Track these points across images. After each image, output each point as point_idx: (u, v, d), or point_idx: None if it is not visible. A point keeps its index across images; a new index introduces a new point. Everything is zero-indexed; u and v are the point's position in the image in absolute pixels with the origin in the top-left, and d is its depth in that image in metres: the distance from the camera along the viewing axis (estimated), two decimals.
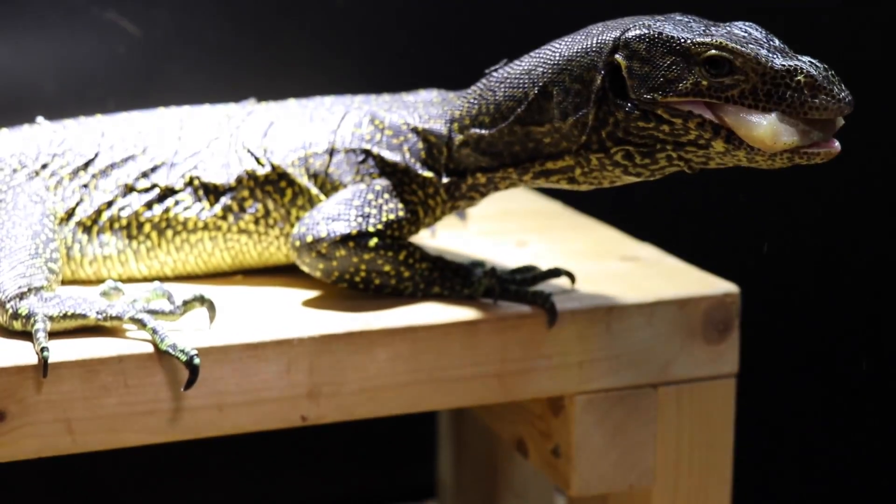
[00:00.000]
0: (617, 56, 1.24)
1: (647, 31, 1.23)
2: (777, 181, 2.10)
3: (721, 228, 2.11)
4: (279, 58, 1.90)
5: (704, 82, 1.20)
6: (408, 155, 1.37)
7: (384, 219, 1.33)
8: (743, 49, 1.19)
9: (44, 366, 1.17)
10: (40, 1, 1.77)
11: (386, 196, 1.35)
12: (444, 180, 1.36)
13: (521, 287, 1.34)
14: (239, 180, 1.38)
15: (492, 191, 1.37)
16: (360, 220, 1.33)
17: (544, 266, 1.40)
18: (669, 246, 1.57)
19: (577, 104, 1.26)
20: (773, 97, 1.18)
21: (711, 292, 1.39)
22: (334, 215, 1.33)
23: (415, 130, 1.38)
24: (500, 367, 1.33)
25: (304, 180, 1.38)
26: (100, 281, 1.38)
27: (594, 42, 1.26)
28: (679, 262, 1.51)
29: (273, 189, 1.39)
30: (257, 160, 1.39)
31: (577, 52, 1.27)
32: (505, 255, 1.53)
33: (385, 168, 1.37)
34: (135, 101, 1.52)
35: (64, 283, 1.36)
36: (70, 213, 1.37)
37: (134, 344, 1.21)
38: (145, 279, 1.40)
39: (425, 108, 1.39)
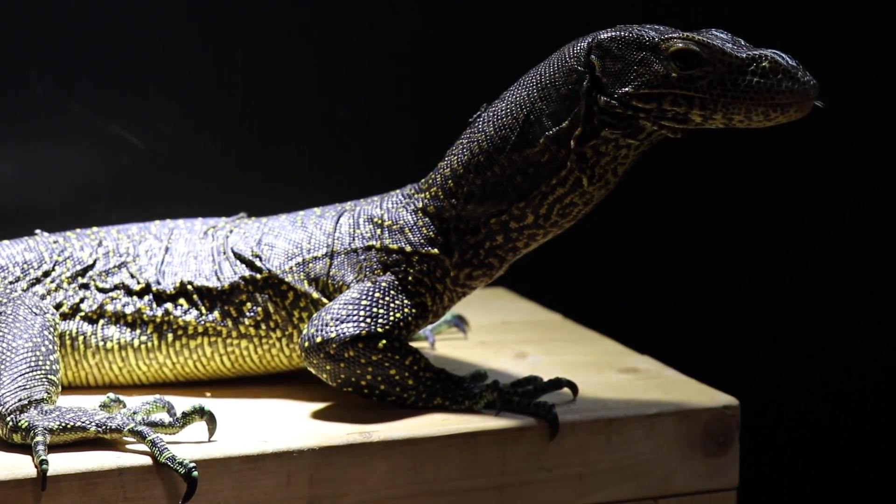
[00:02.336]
0: (592, 57, 1.29)
1: (617, 32, 1.30)
2: (779, 295, 2.11)
3: (721, 340, 2.11)
4: (281, 172, 1.92)
5: (674, 74, 1.26)
6: (411, 237, 1.38)
7: (392, 318, 1.34)
8: (709, 41, 1.26)
9: (42, 479, 1.17)
10: (44, 113, 1.79)
11: (392, 293, 1.35)
12: (458, 246, 1.36)
13: (523, 399, 1.34)
14: (235, 285, 1.39)
15: (509, 255, 1.37)
16: (368, 320, 1.33)
17: (545, 378, 1.40)
18: (668, 357, 1.57)
19: (568, 107, 1.31)
20: (740, 85, 1.24)
21: (711, 404, 1.39)
22: (343, 316, 1.33)
23: (415, 211, 1.39)
24: (500, 480, 1.32)
25: (304, 286, 1.39)
26: (102, 377, 1.40)
27: (570, 53, 1.32)
28: (678, 374, 1.51)
29: (273, 292, 1.39)
30: (251, 265, 1.40)
31: (556, 68, 1.33)
32: (504, 366, 1.53)
33: (388, 261, 1.38)
34: (137, 213, 1.54)
35: (67, 377, 1.38)
36: (74, 309, 1.39)
37: (133, 457, 1.21)
38: (146, 377, 1.41)
39: (415, 188, 1.41)
